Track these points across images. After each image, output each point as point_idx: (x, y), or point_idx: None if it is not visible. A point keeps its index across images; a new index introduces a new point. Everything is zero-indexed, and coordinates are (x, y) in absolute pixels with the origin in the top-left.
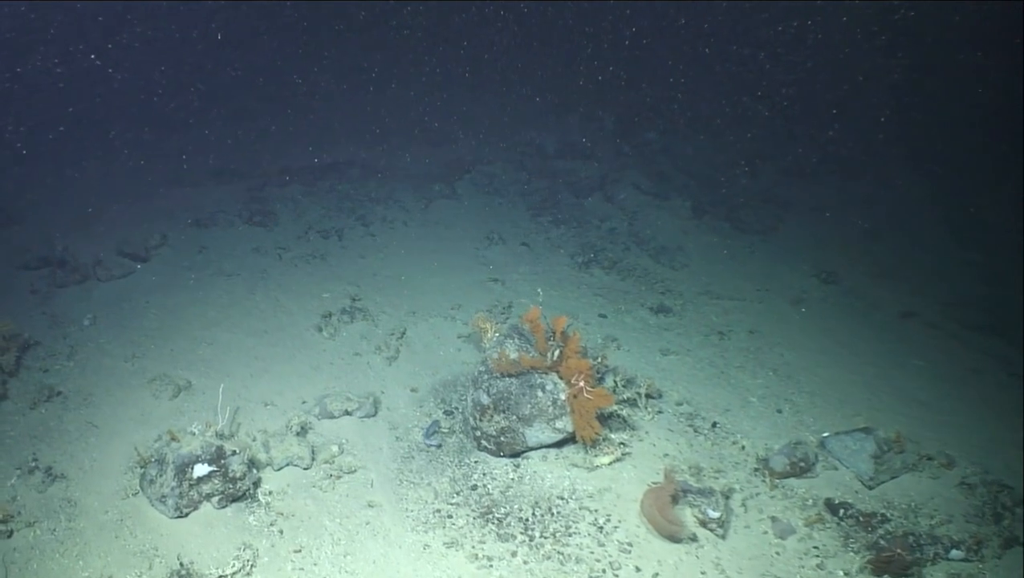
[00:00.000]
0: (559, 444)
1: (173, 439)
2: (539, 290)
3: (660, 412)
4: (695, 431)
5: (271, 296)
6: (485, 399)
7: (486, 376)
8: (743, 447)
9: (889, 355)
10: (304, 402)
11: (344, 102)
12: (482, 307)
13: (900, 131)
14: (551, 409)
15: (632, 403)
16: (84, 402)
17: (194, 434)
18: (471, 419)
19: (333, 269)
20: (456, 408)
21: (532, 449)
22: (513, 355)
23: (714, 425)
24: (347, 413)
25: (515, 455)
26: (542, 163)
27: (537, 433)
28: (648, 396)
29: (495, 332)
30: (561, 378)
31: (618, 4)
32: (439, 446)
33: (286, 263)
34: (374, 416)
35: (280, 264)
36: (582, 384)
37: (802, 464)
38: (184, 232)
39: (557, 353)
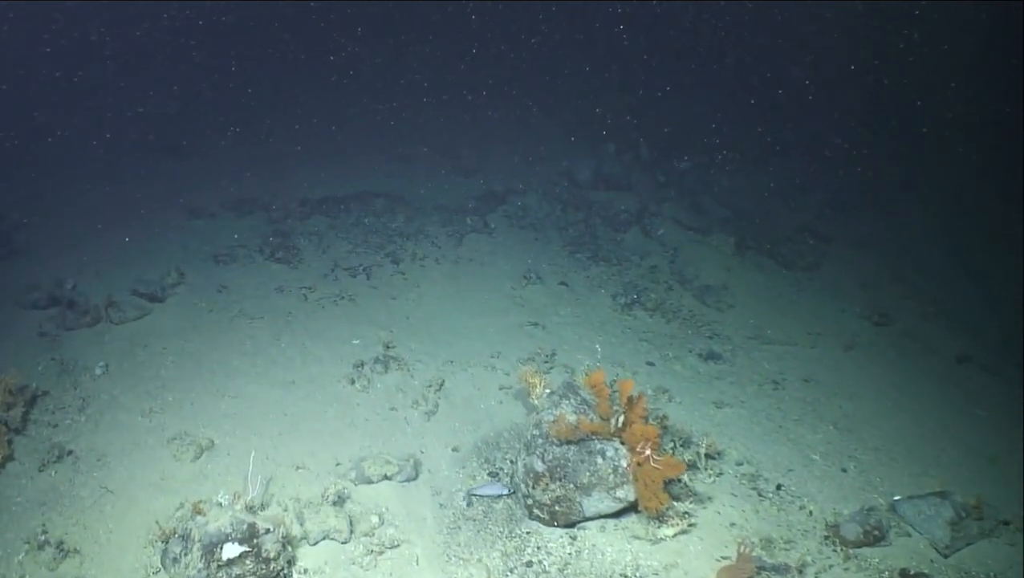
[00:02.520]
0: (617, 513)
1: (198, 512)
2: (597, 347)
3: (721, 474)
4: (759, 495)
5: (298, 342)
6: (539, 466)
7: (540, 440)
8: (811, 512)
9: (950, 404)
10: (339, 464)
11: (365, 125)
12: (523, 354)
13: (940, 161)
14: (611, 477)
15: (692, 466)
16: (97, 463)
17: (221, 505)
18: (523, 486)
19: (363, 312)
20: (500, 468)
21: (589, 519)
22: (571, 418)
23: (779, 488)
24: (386, 478)
25: (570, 525)
26: (576, 193)
27: (596, 503)
28: (708, 456)
29: (543, 387)
30: (623, 444)
31: (647, 31)
32: (500, 495)
33: (312, 305)
34: (415, 480)
35: (306, 306)
36: (648, 452)
37: (876, 532)
38: (202, 269)
39: (621, 419)
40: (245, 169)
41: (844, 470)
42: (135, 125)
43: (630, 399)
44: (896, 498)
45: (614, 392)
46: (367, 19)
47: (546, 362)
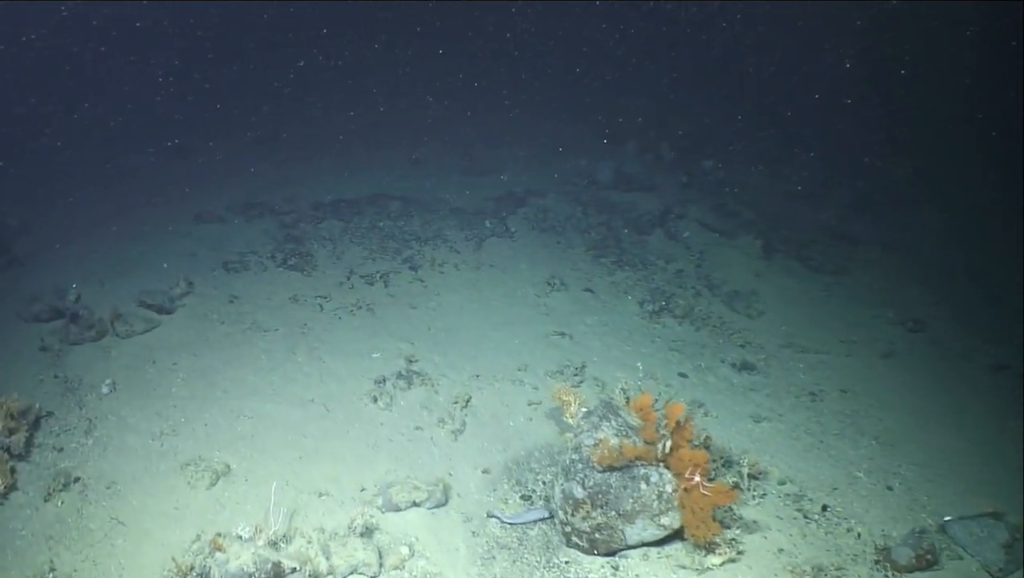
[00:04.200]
0: (661, 541)
1: (218, 548)
2: (639, 365)
3: (764, 495)
4: (805, 517)
5: (315, 356)
6: (579, 492)
7: (580, 465)
8: (859, 535)
9: (990, 416)
10: (363, 489)
11: (376, 124)
12: (551, 367)
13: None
14: (656, 504)
15: (735, 487)
16: (107, 491)
17: (241, 539)
18: (560, 512)
19: (382, 322)
20: (533, 490)
21: (631, 547)
22: (613, 441)
23: (824, 509)
24: (415, 504)
25: (611, 554)
26: (597, 194)
27: (639, 530)
28: (751, 476)
29: (578, 405)
30: (668, 468)
31: (667, 29)
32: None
33: (328, 315)
34: (444, 505)
35: (322, 317)
36: (698, 478)
37: (928, 556)
38: (211, 277)
39: (668, 445)
40: (253, 170)
41: (890, 488)
42: (138, 123)
43: (678, 423)
44: (947, 519)
45: (660, 413)
46: (382, 18)
47: (576, 375)
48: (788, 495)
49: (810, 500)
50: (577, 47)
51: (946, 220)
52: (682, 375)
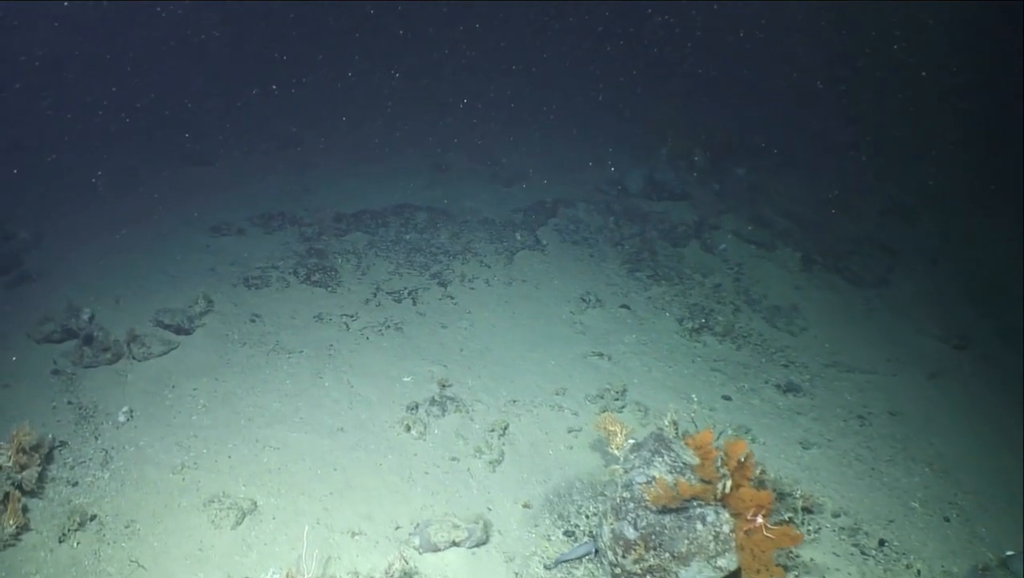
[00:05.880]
0: None
1: None
2: (694, 396)
3: (819, 529)
4: (862, 553)
5: (343, 380)
6: (631, 533)
7: (632, 505)
8: (918, 571)
9: None
10: (398, 527)
11: (398, 131)
12: (591, 391)
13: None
14: (712, 545)
15: (790, 522)
16: (125, 531)
17: None
18: (610, 553)
19: (412, 343)
20: (576, 525)
21: None
22: (668, 478)
23: (881, 543)
24: (454, 544)
25: None
26: (628, 204)
27: (694, 573)
28: (806, 509)
29: (624, 436)
30: (725, 508)
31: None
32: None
33: (355, 335)
34: (485, 544)
35: (348, 337)
36: (760, 520)
37: None
38: (232, 294)
39: (728, 484)
40: (271, 178)
41: (947, 519)
42: (153, 130)
43: (739, 462)
44: (1009, 553)
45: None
46: (403, 22)
47: (616, 400)
48: (843, 529)
49: (866, 533)
50: (602, 48)
51: (987, 228)
52: (726, 398)
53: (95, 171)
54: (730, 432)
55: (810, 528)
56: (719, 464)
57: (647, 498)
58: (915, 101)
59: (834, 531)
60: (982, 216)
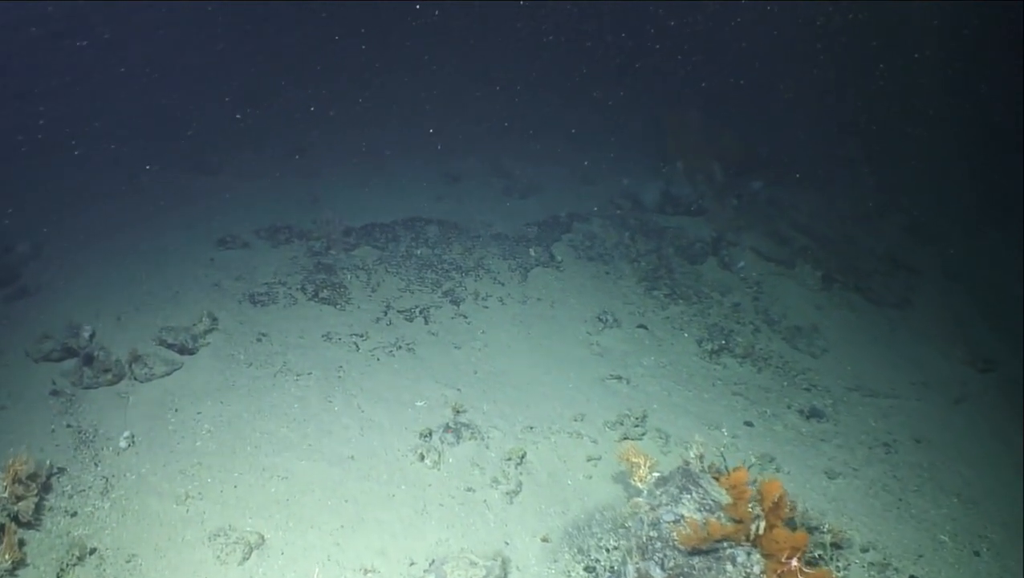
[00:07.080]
0: None
1: None
2: (724, 430)
3: (848, 566)
4: None
5: (353, 404)
6: (658, 574)
7: (659, 544)
8: None
9: None
10: (413, 564)
11: (406, 139)
12: (610, 416)
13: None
14: None
15: (820, 559)
16: (127, 566)
17: None
18: None
19: (424, 365)
20: (597, 560)
21: None
22: (698, 517)
23: None
24: None
25: None
26: (644, 219)
27: None
28: (835, 545)
29: (647, 467)
30: (756, 548)
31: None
32: None
33: (365, 356)
34: None
35: (358, 358)
36: (795, 563)
37: None
38: (237, 311)
39: (762, 525)
40: (278, 189)
41: (977, 554)
42: (156, 138)
43: (774, 503)
44: None
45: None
46: (413, 24)
47: (636, 426)
48: (873, 564)
49: (896, 570)
50: (614, 55)
51: (1010, 246)
52: (748, 424)
53: (96, 180)
54: (753, 460)
55: (839, 564)
56: (753, 504)
57: (676, 538)
58: (932, 115)
59: (863, 567)
60: (1009, 236)
